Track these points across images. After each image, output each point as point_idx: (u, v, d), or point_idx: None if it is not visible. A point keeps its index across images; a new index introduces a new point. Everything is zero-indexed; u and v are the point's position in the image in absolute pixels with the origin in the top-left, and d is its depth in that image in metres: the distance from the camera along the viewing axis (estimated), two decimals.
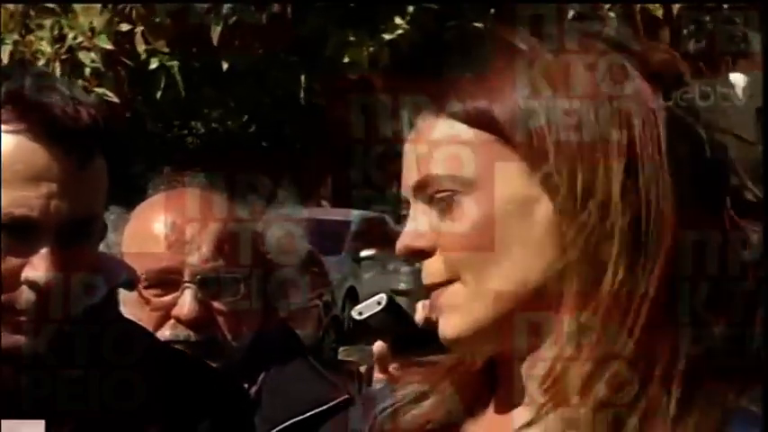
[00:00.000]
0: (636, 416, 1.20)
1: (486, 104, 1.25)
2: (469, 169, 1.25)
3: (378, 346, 2.02)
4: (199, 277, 2.15)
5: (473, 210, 1.25)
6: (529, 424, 1.26)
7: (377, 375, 2.07)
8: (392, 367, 1.97)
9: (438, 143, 1.27)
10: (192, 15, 10.04)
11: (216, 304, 2.17)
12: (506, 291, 1.25)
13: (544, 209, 1.24)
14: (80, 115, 1.59)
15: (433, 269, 1.28)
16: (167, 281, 2.16)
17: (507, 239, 1.24)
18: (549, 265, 1.23)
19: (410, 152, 1.30)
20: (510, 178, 1.24)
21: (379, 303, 1.91)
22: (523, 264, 1.24)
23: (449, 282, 1.27)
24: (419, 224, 1.28)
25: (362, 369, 2.35)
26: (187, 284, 2.15)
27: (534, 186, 1.24)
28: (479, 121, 1.26)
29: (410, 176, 1.29)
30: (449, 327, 1.28)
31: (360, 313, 1.95)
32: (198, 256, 2.16)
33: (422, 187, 1.28)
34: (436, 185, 1.27)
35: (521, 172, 1.24)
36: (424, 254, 1.28)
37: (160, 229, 2.19)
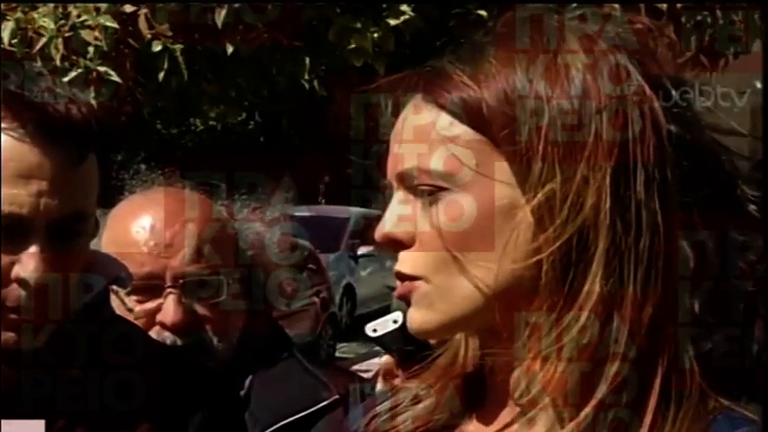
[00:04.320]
0: (621, 407, 1.19)
1: (477, 99, 1.24)
2: (457, 167, 1.24)
3: (385, 361, 2.01)
4: (181, 281, 2.10)
5: (457, 209, 1.23)
6: (526, 423, 1.25)
7: (380, 386, 2.05)
8: (397, 380, 1.95)
9: (428, 135, 1.25)
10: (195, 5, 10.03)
11: (201, 307, 2.12)
12: (476, 292, 1.24)
13: (524, 215, 1.22)
14: (72, 114, 1.58)
15: (408, 259, 1.27)
16: (150, 287, 2.10)
17: (486, 242, 1.23)
18: (523, 269, 1.22)
19: (398, 137, 1.28)
20: (496, 182, 1.23)
21: (395, 322, 1.89)
22: (498, 267, 1.23)
23: (415, 278, 1.26)
24: (401, 212, 1.27)
25: (368, 374, 2.34)
26: (170, 290, 2.10)
27: (517, 192, 1.22)
28: (469, 116, 1.24)
29: (396, 164, 1.28)
30: (416, 320, 1.28)
31: (374, 330, 1.94)
32: (179, 258, 2.11)
33: (407, 177, 1.27)
34: (422, 179, 1.25)
35: (507, 176, 1.23)
36: (402, 244, 1.27)
37: (139, 232, 2.12)
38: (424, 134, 1.26)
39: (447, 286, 1.24)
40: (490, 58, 1.25)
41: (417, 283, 1.26)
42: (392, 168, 1.28)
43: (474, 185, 1.23)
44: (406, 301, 1.28)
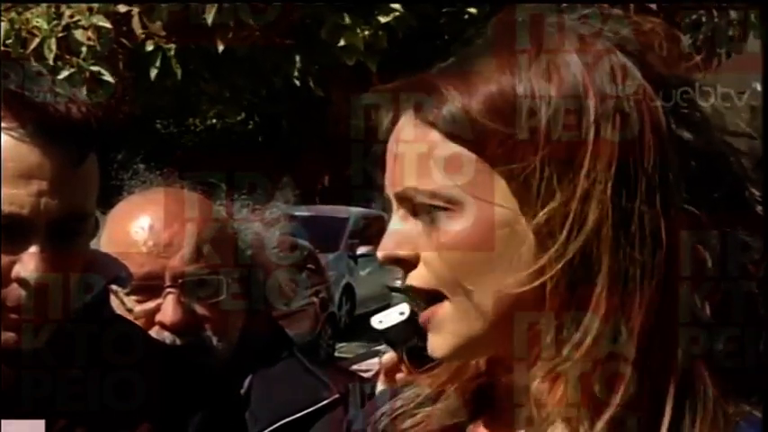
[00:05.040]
0: (635, 417, 1.19)
1: (471, 119, 1.22)
2: (453, 187, 1.22)
3: (388, 357, 2.00)
4: (181, 281, 2.09)
5: (456, 228, 1.22)
6: (531, 426, 1.25)
7: (381, 384, 2.05)
8: (398, 376, 1.94)
9: (422, 155, 1.24)
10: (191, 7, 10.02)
11: (200, 307, 2.11)
12: (490, 306, 1.23)
13: (526, 234, 1.21)
14: (72, 114, 1.58)
15: (416, 274, 1.26)
16: (149, 287, 2.09)
17: (490, 257, 1.22)
18: (532, 277, 1.21)
19: (392, 154, 1.27)
20: (492, 198, 1.22)
21: (401, 314, 1.89)
22: (506, 278, 1.22)
23: (433, 292, 1.25)
24: (401, 232, 1.26)
25: (368, 373, 2.33)
26: (169, 289, 2.09)
27: (517, 211, 1.21)
28: (458, 133, 1.22)
29: (394, 182, 1.27)
30: (437, 346, 1.27)
31: (380, 322, 1.93)
32: (178, 257, 2.10)
33: (405, 197, 1.26)
34: (419, 199, 1.24)
35: (505, 195, 1.21)
36: (407, 263, 1.26)
37: (138, 232, 2.12)
38: (420, 154, 1.24)
39: (466, 301, 1.23)
40: (481, 69, 1.23)
41: (441, 307, 1.25)
42: (390, 185, 1.27)
43: (473, 205, 1.22)
44: (427, 328, 1.28)
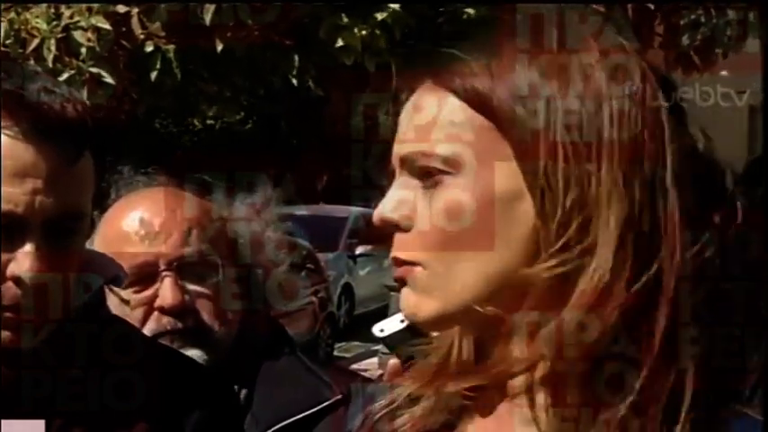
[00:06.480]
0: (633, 416, 1.19)
1: (487, 88, 1.23)
2: (462, 152, 1.23)
3: (392, 364, 2.01)
4: (176, 263, 2.11)
5: (457, 194, 1.23)
6: (526, 424, 1.25)
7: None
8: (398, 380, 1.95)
9: (435, 119, 1.25)
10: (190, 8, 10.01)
11: (197, 288, 2.13)
12: (472, 283, 1.23)
13: (527, 208, 1.22)
14: (67, 112, 1.58)
15: (404, 245, 1.26)
16: (145, 275, 2.10)
17: (485, 231, 1.22)
18: (522, 263, 1.21)
19: (405, 120, 1.28)
20: (499, 170, 1.22)
21: (402, 321, 1.90)
22: (496, 258, 1.22)
23: (413, 263, 1.25)
24: (400, 196, 1.26)
25: (367, 373, 2.32)
26: (165, 273, 2.11)
27: (521, 183, 1.22)
28: (478, 102, 1.23)
29: (401, 146, 1.27)
30: (410, 303, 1.27)
31: (381, 330, 1.94)
32: (170, 243, 2.11)
33: (411, 160, 1.26)
34: (425, 162, 1.25)
35: (511, 166, 1.22)
36: (400, 228, 1.26)
37: (129, 226, 2.13)
38: (430, 118, 1.25)
39: (445, 273, 1.23)
40: (503, 52, 1.25)
41: (415, 268, 1.25)
42: (396, 152, 1.28)
43: (475, 173, 1.23)
44: (401, 283, 1.28)
